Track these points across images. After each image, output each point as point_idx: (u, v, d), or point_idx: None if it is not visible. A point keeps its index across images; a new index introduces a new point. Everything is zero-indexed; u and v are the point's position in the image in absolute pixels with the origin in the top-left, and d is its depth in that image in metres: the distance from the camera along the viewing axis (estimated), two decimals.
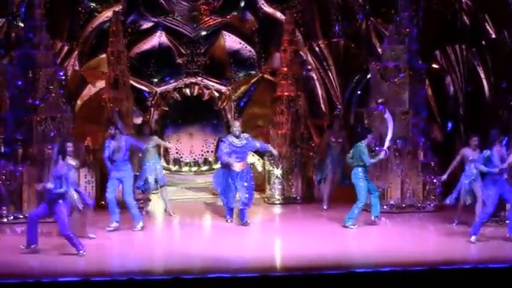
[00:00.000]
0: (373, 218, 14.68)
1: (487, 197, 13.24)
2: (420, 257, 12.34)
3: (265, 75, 19.07)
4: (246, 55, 19.10)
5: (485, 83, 18.32)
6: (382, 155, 14.63)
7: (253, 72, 19.15)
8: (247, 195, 14.76)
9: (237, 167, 14.65)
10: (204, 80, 18.84)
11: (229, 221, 14.96)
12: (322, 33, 19.25)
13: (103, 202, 15.10)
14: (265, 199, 17.23)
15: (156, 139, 16.14)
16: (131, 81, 17.69)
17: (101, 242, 13.33)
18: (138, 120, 18.24)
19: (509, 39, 17.77)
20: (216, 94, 18.92)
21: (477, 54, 18.47)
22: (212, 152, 19.10)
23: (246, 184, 14.75)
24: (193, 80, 18.81)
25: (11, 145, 15.15)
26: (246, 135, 14.87)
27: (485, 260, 12.21)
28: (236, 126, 14.83)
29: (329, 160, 16.23)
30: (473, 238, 13.21)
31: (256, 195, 15.76)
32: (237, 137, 14.71)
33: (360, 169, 14.53)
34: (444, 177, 14.61)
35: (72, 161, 13.17)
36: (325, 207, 16.27)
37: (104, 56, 17.64)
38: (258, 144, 15.02)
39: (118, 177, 14.34)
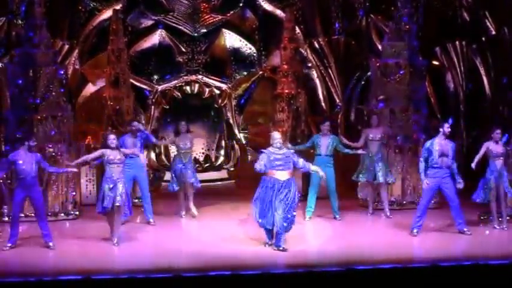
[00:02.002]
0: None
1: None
2: (421, 254, 12.34)
3: (266, 73, 19.10)
4: (246, 53, 19.12)
5: (485, 79, 18.35)
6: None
7: (253, 70, 19.18)
8: (287, 216, 12.55)
9: (281, 175, 12.59)
10: (205, 78, 18.85)
11: (267, 245, 12.86)
12: (323, 31, 19.28)
13: None
14: None
15: (192, 140, 15.41)
16: (131, 80, 17.73)
17: (102, 241, 13.34)
18: (142, 120, 18.27)
19: (509, 36, 17.78)
20: (217, 92, 18.93)
21: (477, 51, 18.49)
22: (213, 150, 19.14)
23: (287, 201, 12.56)
24: (193, 78, 18.83)
25: (12, 144, 15.14)
26: (289, 150, 13.00)
27: (486, 256, 12.21)
28: (276, 138, 12.76)
29: (368, 160, 15.21)
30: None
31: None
32: (279, 148, 12.76)
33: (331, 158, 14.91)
34: (473, 165, 13.74)
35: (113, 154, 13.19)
36: (370, 212, 15.40)
37: (104, 54, 17.68)
38: (300, 162, 12.85)
39: None
